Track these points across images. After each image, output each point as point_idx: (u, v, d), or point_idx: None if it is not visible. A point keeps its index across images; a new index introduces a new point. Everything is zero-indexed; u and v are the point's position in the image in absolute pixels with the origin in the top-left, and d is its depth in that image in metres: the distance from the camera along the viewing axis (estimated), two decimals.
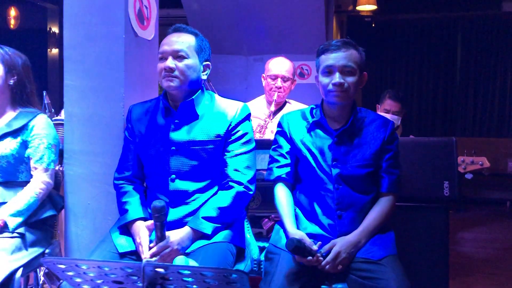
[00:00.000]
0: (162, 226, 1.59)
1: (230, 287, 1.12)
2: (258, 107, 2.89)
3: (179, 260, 1.31)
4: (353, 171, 1.79)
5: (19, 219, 1.87)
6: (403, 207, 2.40)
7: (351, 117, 1.82)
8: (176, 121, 1.77)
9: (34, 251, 1.91)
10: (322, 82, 1.80)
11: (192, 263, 1.34)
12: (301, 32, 4.75)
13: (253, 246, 1.99)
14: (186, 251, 1.66)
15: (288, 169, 1.89)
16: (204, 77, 1.82)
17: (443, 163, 2.40)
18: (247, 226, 2.04)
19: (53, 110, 2.73)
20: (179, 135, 1.76)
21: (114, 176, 1.87)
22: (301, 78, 5.08)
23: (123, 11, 1.96)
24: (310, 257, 1.62)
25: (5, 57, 2.00)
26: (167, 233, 1.64)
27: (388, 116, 3.16)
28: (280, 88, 2.74)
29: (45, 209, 1.99)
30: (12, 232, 1.84)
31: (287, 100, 2.90)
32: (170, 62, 1.72)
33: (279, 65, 2.77)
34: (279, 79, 2.75)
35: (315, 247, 1.65)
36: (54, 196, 2.06)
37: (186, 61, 1.73)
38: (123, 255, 1.68)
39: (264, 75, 2.86)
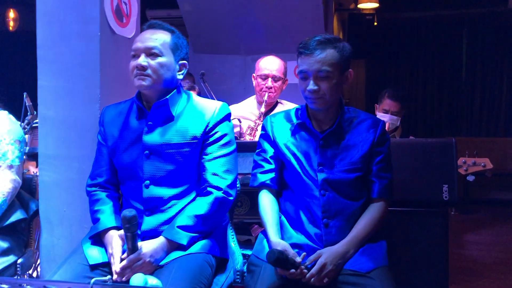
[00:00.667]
0: (133, 237, 1.48)
1: None
2: (249, 108, 2.78)
3: (136, 278, 1.19)
4: (340, 176, 1.67)
5: None
6: (400, 212, 2.29)
7: (338, 118, 1.70)
8: (149, 123, 1.66)
9: (5, 261, 1.82)
10: (300, 87, 1.69)
11: (153, 281, 1.22)
12: (300, 31, 4.62)
13: (238, 255, 1.87)
14: (160, 263, 1.54)
15: (272, 174, 1.77)
16: (180, 76, 1.71)
17: (442, 165, 2.28)
18: (231, 234, 1.93)
19: (35, 112, 2.63)
20: (153, 138, 1.65)
21: (86, 183, 1.76)
22: None
23: (98, 8, 1.86)
24: (293, 270, 1.50)
25: None
26: (140, 243, 1.53)
27: (387, 116, 3.03)
28: (271, 88, 2.63)
29: (14, 212, 1.89)
30: None
31: (278, 100, 2.79)
32: (142, 60, 1.61)
33: (269, 64, 2.66)
34: (269, 79, 2.64)
35: (299, 259, 1.53)
36: (25, 199, 1.96)
37: (159, 59, 1.62)
38: (94, 267, 1.57)
39: (254, 74, 2.74)
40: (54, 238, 1.96)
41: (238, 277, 1.79)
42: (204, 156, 1.68)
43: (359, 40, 5.86)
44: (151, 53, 1.62)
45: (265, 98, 2.64)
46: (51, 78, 1.91)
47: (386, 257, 1.64)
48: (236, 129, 2.62)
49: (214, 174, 1.66)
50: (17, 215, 1.90)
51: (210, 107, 1.70)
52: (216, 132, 1.68)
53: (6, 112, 1.99)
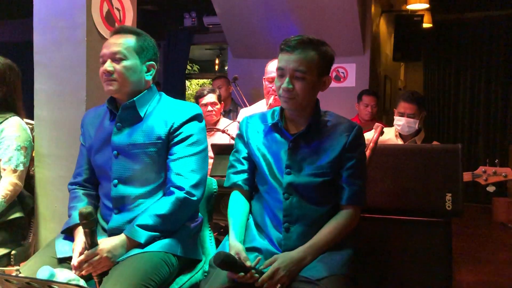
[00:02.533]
0: (91, 233, 1.53)
1: None
2: (257, 111, 2.76)
3: (43, 271, 1.23)
4: (306, 180, 1.61)
5: None
6: (400, 221, 2.18)
7: (310, 120, 1.65)
8: (118, 124, 1.72)
9: None
10: (275, 85, 1.66)
11: (66, 275, 1.26)
12: (336, 34, 4.54)
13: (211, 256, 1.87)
14: (118, 260, 1.59)
15: (244, 175, 1.76)
16: (149, 77, 1.75)
17: (446, 173, 2.15)
18: (209, 234, 1.93)
19: None
20: (120, 138, 1.70)
21: (69, 181, 1.85)
22: (337, 81, 4.87)
23: (86, 14, 1.95)
24: (242, 273, 1.47)
25: None
26: (100, 240, 1.59)
27: (403, 120, 2.88)
28: None
29: (13, 211, 2.02)
30: None
31: None
32: (108, 65, 1.67)
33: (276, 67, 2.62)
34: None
35: (249, 263, 1.50)
36: (25, 197, 2.09)
37: (124, 63, 1.67)
38: (61, 260, 1.64)
39: (263, 77, 2.73)
40: (47, 232, 2.08)
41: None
42: (169, 156, 1.70)
43: (406, 42, 5.61)
44: (115, 58, 1.67)
45: (271, 101, 2.62)
46: (45, 81, 2.04)
47: (346, 265, 1.55)
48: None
49: (178, 174, 1.67)
50: (15, 214, 2.03)
51: (178, 108, 1.72)
52: (181, 133, 1.69)
53: (18, 118, 2.11)
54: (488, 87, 7.02)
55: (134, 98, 1.71)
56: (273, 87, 2.63)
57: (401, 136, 2.98)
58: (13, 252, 2.01)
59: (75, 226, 1.69)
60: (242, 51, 5.24)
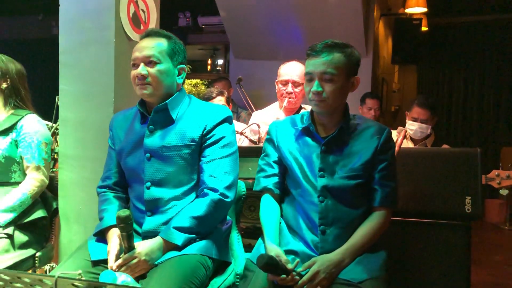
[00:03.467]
0: (128, 236, 1.53)
1: None
2: (271, 113, 2.78)
3: (106, 275, 1.23)
4: (340, 183, 1.64)
5: (11, 215, 1.90)
6: (420, 223, 2.21)
7: (341, 124, 1.67)
8: (150, 126, 1.71)
9: (23, 253, 1.93)
10: (305, 90, 1.68)
11: (126, 279, 1.26)
12: (339, 37, 4.56)
13: (241, 259, 1.88)
14: (156, 262, 1.58)
15: (275, 179, 1.77)
16: (180, 80, 1.75)
17: (465, 176, 2.19)
18: (236, 237, 1.94)
19: None
20: (153, 141, 1.70)
21: (98, 184, 1.84)
22: None
23: (114, 15, 1.94)
24: (284, 276, 1.49)
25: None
26: (137, 243, 1.58)
27: (415, 125, 2.93)
28: (291, 93, 2.62)
29: (36, 210, 2.01)
30: (3, 228, 1.86)
31: (302, 106, 2.77)
32: (142, 69, 1.66)
33: (290, 70, 2.65)
34: (289, 84, 2.63)
35: (290, 265, 1.52)
36: (48, 198, 2.08)
37: (158, 67, 1.67)
38: (96, 263, 1.64)
39: (276, 80, 2.75)
40: (71, 234, 2.06)
41: (238, 280, 1.80)
42: (202, 158, 1.70)
43: (405, 45, 5.68)
44: (149, 61, 1.66)
45: (285, 103, 2.63)
46: (70, 82, 2.02)
47: (383, 268, 1.59)
48: (256, 135, 2.63)
49: (212, 176, 1.68)
50: (38, 213, 2.02)
51: (209, 110, 1.72)
52: (213, 135, 1.70)
53: (35, 115, 2.11)
54: (480, 90, 7.16)
55: (167, 101, 1.71)
56: (286, 90, 2.65)
57: (411, 139, 3.03)
58: (38, 254, 1.99)
59: (108, 229, 1.69)
60: (244, 52, 5.24)
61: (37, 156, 2.01)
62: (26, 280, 1.07)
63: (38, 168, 2.01)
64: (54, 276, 1.01)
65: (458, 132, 7.29)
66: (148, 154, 1.70)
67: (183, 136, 1.69)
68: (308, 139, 1.72)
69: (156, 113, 1.70)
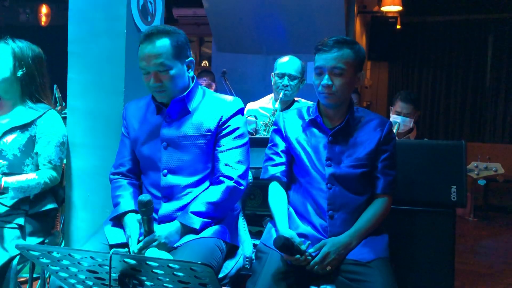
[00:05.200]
0: (149, 220, 1.59)
1: (199, 281, 1.12)
2: (266, 105, 2.88)
3: (151, 252, 1.31)
4: (346, 171, 1.76)
5: (15, 184, 1.90)
6: (408, 211, 2.34)
7: (347, 116, 1.79)
8: (167, 117, 1.78)
9: (32, 241, 1.96)
10: (314, 83, 1.78)
11: (165, 256, 1.33)
12: (321, 33, 4.71)
13: (248, 243, 1.98)
14: (174, 245, 1.66)
15: (282, 167, 1.87)
16: (191, 73, 1.81)
17: (451, 167, 2.33)
18: (242, 223, 2.03)
19: (64, 103, 2.79)
20: (170, 130, 1.77)
21: (110, 171, 1.89)
22: None
23: (125, 7, 1.98)
24: (298, 256, 1.60)
25: (15, 49, 2.02)
26: (156, 227, 1.65)
27: (399, 118, 3.09)
28: (287, 86, 2.73)
29: (46, 202, 2.03)
30: (4, 192, 1.87)
31: (295, 98, 2.88)
32: (156, 78, 1.69)
33: (286, 64, 2.76)
34: (286, 77, 2.74)
35: (304, 247, 1.63)
36: (57, 190, 2.10)
37: (169, 73, 1.70)
38: (113, 247, 1.69)
39: (273, 73, 2.85)
40: (78, 221, 2.10)
41: (247, 263, 1.90)
42: (217, 148, 1.79)
43: (381, 42, 5.90)
44: (159, 70, 1.69)
45: (281, 96, 2.74)
46: (80, 71, 2.05)
47: (387, 249, 1.72)
48: (252, 125, 2.73)
49: (227, 165, 1.77)
50: (49, 205, 2.03)
51: (224, 102, 1.81)
52: (228, 126, 1.78)
53: (54, 111, 2.09)
54: (447, 88, 7.50)
55: (184, 94, 1.78)
56: (283, 83, 2.75)
57: (396, 133, 3.20)
58: (46, 241, 2.02)
59: (124, 214, 1.75)
60: (227, 45, 5.30)
61: (54, 156, 2.02)
62: (76, 256, 1.13)
63: (54, 168, 2.02)
64: (108, 253, 1.08)
65: (426, 127, 7.61)
66: (165, 143, 1.77)
67: (200, 126, 1.77)
68: (315, 130, 1.83)
69: (174, 104, 1.77)
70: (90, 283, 1.23)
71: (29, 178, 1.95)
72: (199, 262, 1.07)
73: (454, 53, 7.41)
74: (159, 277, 1.16)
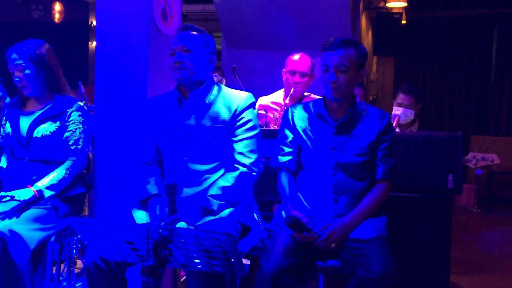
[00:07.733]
0: (174, 201, 1.79)
1: (221, 249, 1.32)
2: (277, 99, 3.08)
3: (180, 225, 1.51)
4: (349, 159, 1.94)
5: (53, 192, 2.12)
6: (406, 198, 2.48)
7: (350, 109, 1.97)
8: (187, 109, 1.98)
9: (65, 222, 2.17)
10: (321, 79, 1.97)
11: None
12: (327, 29, 4.85)
13: (259, 226, 2.17)
14: (195, 225, 1.86)
15: (290, 157, 2.06)
16: (211, 69, 2.01)
17: (448, 157, 2.48)
18: (254, 207, 2.23)
19: (87, 98, 2.99)
20: (190, 122, 1.97)
21: (135, 160, 2.09)
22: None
23: (149, 10, 2.18)
24: (306, 233, 1.79)
25: (30, 55, 2.16)
26: (179, 208, 1.85)
27: (400, 109, 3.25)
28: (298, 83, 2.92)
29: (76, 187, 2.24)
30: (46, 203, 2.09)
31: (305, 94, 3.07)
32: (179, 56, 1.92)
33: (298, 61, 2.95)
34: (297, 74, 2.92)
35: (311, 226, 1.82)
36: (85, 176, 2.31)
37: (192, 54, 1.93)
38: None
39: (284, 70, 3.03)
40: (105, 205, 2.30)
41: (260, 242, 2.09)
42: (232, 138, 1.99)
43: (386, 38, 6.03)
44: (185, 49, 1.93)
45: (292, 92, 2.92)
46: (106, 68, 2.24)
47: (385, 229, 1.92)
48: (262, 119, 2.92)
49: (240, 153, 1.97)
50: (79, 189, 2.25)
51: (238, 96, 2.01)
52: (242, 118, 1.98)
53: (82, 103, 2.28)
54: (452, 82, 7.62)
55: (201, 87, 1.98)
56: (293, 80, 2.94)
57: (398, 125, 3.36)
58: None
59: (149, 198, 1.96)
60: (236, 41, 5.45)
61: (81, 142, 2.22)
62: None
63: (81, 152, 2.22)
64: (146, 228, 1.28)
65: (431, 121, 7.75)
66: (186, 133, 1.97)
67: (216, 118, 1.97)
68: (321, 122, 2.02)
69: (192, 97, 1.97)
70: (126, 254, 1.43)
71: (60, 175, 2.16)
72: (209, 230, 1.26)
73: (459, 47, 7.52)
74: (187, 247, 1.35)
